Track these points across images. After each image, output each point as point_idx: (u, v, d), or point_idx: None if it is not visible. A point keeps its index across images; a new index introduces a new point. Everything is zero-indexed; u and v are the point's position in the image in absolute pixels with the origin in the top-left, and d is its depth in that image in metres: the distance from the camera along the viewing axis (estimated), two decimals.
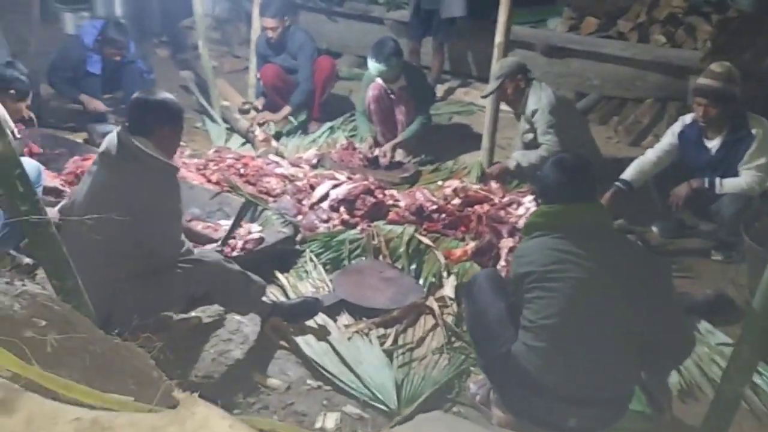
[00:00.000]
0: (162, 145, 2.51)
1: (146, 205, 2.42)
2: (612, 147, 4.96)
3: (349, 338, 2.77)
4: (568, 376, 2.11)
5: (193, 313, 2.85)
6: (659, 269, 2.33)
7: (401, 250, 3.42)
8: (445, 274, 3.24)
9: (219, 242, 3.00)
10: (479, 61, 5.97)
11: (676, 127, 3.61)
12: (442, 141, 4.92)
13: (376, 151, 4.57)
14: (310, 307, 2.87)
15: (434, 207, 3.76)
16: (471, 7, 5.55)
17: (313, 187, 4.00)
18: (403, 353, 2.73)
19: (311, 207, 3.81)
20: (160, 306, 2.62)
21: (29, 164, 3.12)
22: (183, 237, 2.59)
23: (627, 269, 2.18)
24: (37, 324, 1.42)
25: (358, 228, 3.62)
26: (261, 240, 3.26)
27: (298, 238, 3.52)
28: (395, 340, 2.80)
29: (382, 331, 2.87)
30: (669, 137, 3.61)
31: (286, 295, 3.09)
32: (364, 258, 3.41)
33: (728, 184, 3.38)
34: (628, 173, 3.60)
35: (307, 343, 2.72)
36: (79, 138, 4.63)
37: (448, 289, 3.09)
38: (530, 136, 4.07)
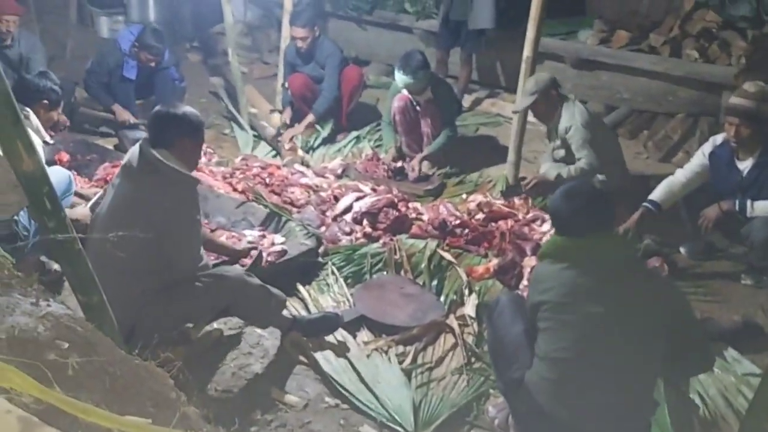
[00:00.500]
0: (183, 158, 2.54)
1: (166, 217, 2.45)
2: (641, 163, 4.88)
3: (368, 356, 2.77)
4: (579, 411, 2.08)
5: (215, 325, 2.89)
6: (678, 300, 2.28)
7: (423, 265, 3.41)
8: (466, 291, 3.22)
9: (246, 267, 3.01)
10: (507, 72, 5.93)
11: (707, 148, 3.53)
12: (468, 152, 4.90)
13: (400, 163, 4.57)
14: (330, 322, 2.88)
15: (457, 222, 3.74)
16: (500, 18, 5.53)
17: (337, 199, 4.01)
18: (422, 373, 2.72)
19: (334, 219, 3.82)
20: (182, 319, 2.65)
21: (60, 173, 3.20)
22: (201, 251, 2.61)
23: (644, 301, 2.13)
24: (60, 346, 1.44)
25: (381, 241, 3.63)
26: (284, 252, 3.28)
27: (321, 250, 3.53)
28: (414, 359, 2.79)
29: (401, 348, 2.86)
30: (699, 158, 3.54)
31: (307, 309, 3.10)
32: (385, 273, 3.41)
33: (760, 207, 3.29)
34: (656, 194, 3.54)
35: (326, 359, 2.73)
36: (110, 144, 4.73)
37: (469, 308, 3.07)
38: (562, 152, 4.02)
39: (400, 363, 2.75)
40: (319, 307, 3.11)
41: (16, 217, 3.00)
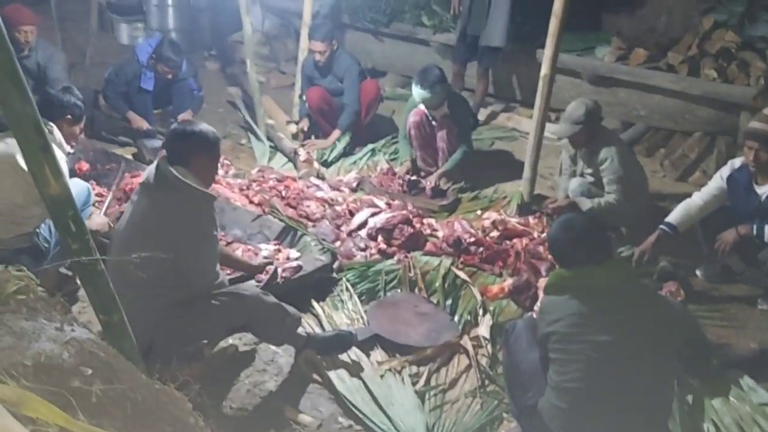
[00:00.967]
0: (200, 174, 2.57)
1: (183, 234, 2.47)
2: (657, 181, 4.86)
3: (381, 376, 2.77)
4: None
5: (230, 341, 2.91)
6: (686, 323, 2.32)
7: (437, 284, 3.41)
8: (480, 311, 3.22)
9: (262, 285, 3.04)
10: (523, 86, 5.94)
11: (725, 171, 3.52)
12: (483, 167, 4.90)
13: (414, 177, 4.59)
14: (344, 340, 2.89)
15: (472, 239, 3.74)
16: (517, 32, 5.54)
17: (352, 213, 4.03)
18: (435, 395, 2.72)
19: (349, 234, 3.83)
20: (198, 336, 2.68)
21: (79, 185, 3.24)
22: (218, 268, 2.63)
23: (650, 327, 2.17)
24: (84, 373, 1.47)
25: (395, 258, 3.64)
26: (299, 268, 3.30)
27: (335, 265, 3.55)
28: (428, 381, 2.79)
29: (414, 369, 2.87)
30: (717, 181, 3.53)
31: (321, 326, 3.12)
32: (399, 290, 3.41)
33: None
34: (673, 216, 3.52)
35: (339, 378, 2.74)
36: (129, 153, 4.77)
37: (483, 329, 3.07)
38: (591, 179, 3.98)
39: (414, 384, 2.76)
40: (333, 323, 3.12)
41: (37, 230, 3.05)
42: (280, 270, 3.25)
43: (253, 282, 3.05)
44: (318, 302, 3.27)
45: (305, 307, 3.22)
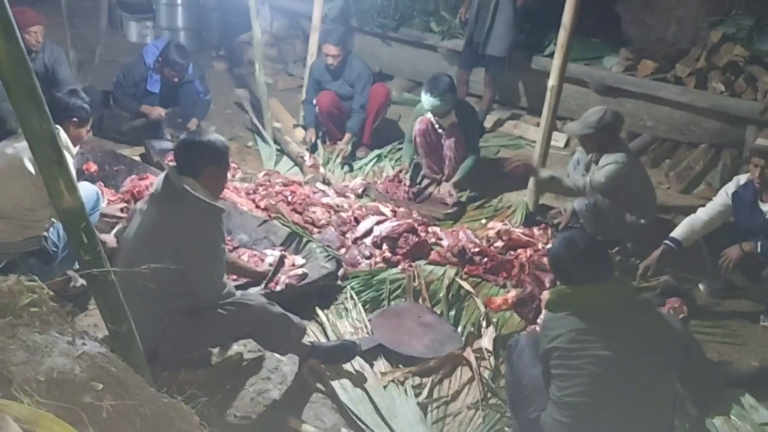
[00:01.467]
0: (209, 185, 2.59)
1: (191, 246, 2.48)
2: (662, 193, 4.86)
3: (384, 387, 2.79)
4: None
5: (235, 348, 2.93)
6: (686, 342, 2.35)
7: (441, 294, 3.43)
8: (484, 323, 3.24)
9: (261, 286, 3.05)
10: (530, 94, 5.95)
11: (730, 187, 3.53)
12: (488, 175, 4.89)
13: (419, 185, 4.62)
14: (348, 350, 2.91)
15: (477, 249, 3.76)
16: (525, 41, 5.55)
17: (357, 220, 4.05)
18: (438, 407, 2.74)
19: (354, 241, 3.86)
20: (204, 344, 2.70)
21: (88, 189, 3.26)
22: (225, 279, 2.65)
23: (650, 344, 2.19)
24: (95, 388, 1.49)
25: (400, 267, 3.66)
26: (304, 276, 3.32)
27: (340, 273, 3.56)
28: (430, 393, 2.81)
29: (417, 380, 2.89)
30: (722, 197, 3.54)
31: (325, 334, 3.14)
32: (403, 299, 3.43)
33: None
34: (678, 232, 3.53)
35: (343, 388, 2.76)
36: (136, 153, 4.80)
37: (486, 341, 3.09)
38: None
39: (417, 396, 2.78)
40: (337, 332, 3.15)
41: (45, 234, 3.07)
42: (284, 277, 3.27)
43: (258, 289, 3.07)
44: (322, 310, 3.29)
45: (309, 314, 3.24)
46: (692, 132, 5.28)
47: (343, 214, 4.10)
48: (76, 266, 3.04)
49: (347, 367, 2.87)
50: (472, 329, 3.21)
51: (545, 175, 3.89)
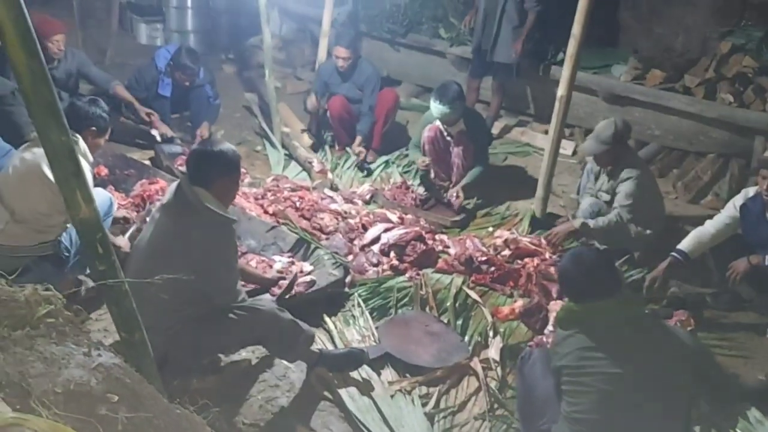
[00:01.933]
0: (221, 195, 2.60)
1: (203, 256, 2.50)
2: (669, 203, 4.85)
3: (392, 396, 2.81)
4: None
5: (243, 354, 2.95)
6: (697, 355, 2.36)
7: (448, 303, 3.45)
8: (491, 333, 3.25)
9: (276, 298, 3.07)
10: (538, 101, 5.96)
11: (738, 200, 3.54)
12: (496, 183, 4.92)
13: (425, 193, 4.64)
14: (355, 358, 2.92)
15: (484, 258, 3.77)
16: (535, 48, 5.56)
17: (365, 227, 4.07)
18: (445, 417, 2.76)
19: (362, 248, 3.87)
20: (214, 349, 2.72)
21: (101, 195, 3.29)
22: (239, 286, 2.67)
23: (659, 360, 2.21)
24: (111, 400, 1.51)
25: (407, 275, 3.67)
26: (312, 283, 3.34)
27: (348, 280, 3.58)
28: (437, 403, 2.82)
29: (424, 389, 2.90)
30: (730, 209, 3.54)
31: (333, 341, 3.16)
32: (411, 308, 3.45)
33: None
34: (685, 244, 3.54)
35: (350, 396, 2.78)
36: (146, 157, 4.83)
37: (493, 351, 3.10)
38: (607, 197, 3.98)
39: (424, 405, 2.79)
40: (345, 340, 3.16)
41: (59, 239, 3.11)
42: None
43: (268, 296, 3.09)
44: (330, 317, 3.31)
45: (317, 321, 3.26)
46: (700, 142, 5.29)
47: (351, 221, 4.12)
48: (88, 270, 3.08)
49: (354, 375, 2.89)
50: (479, 339, 3.22)
51: (577, 224, 3.92)
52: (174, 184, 2.62)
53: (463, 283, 3.64)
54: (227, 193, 2.64)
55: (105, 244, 1.89)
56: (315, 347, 2.92)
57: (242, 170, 4.69)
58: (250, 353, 2.98)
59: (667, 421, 2.20)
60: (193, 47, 5.71)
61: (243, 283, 3.19)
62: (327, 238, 3.95)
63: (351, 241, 3.96)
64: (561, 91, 4.10)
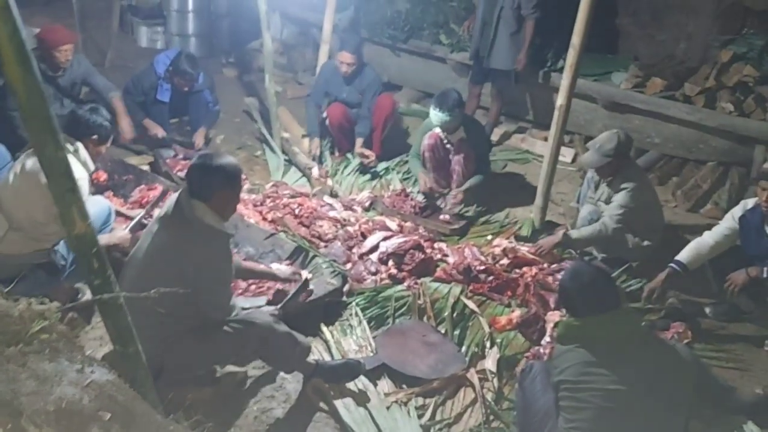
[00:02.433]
0: (220, 208, 2.59)
1: (198, 270, 2.49)
2: (669, 212, 4.85)
3: (388, 407, 2.80)
4: None
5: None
6: (695, 370, 2.38)
7: (446, 313, 3.44)
8: (488, 344, 3.25)
9: (278, 307, 3.07)
10: (537, 107, 5.96)
11: (737, 211, 3.53)
12: (495, 190, 4.91)
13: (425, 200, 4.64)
14: (352, 369, 2.92)
15: (482, 267, 3.77)
16: (535, 55, 5.55)
17: (364, 235, 4.06)
18: (441, 429, 2.75)
19: (361, 257, 3.87)
20: (209, 361, 2.72)
21: (101, 205, 3.29)
22: (232, 301, 2.66)
23: (657, 375, 2.21)
24: (103, 418, 1.51)
25: (405, 284, 3.67)
26: (311, 292, 3.33)
27: (346, 289, 3.57)
28: (433, 414, 2.82)
29: (420, 400, 2.89)
30: (729, 221, 3.54)
31: (330, 351, 3.15)
32: (408, 317, 3.44)
33: None
34: (684, 255, 3.53)
35: (346, 407, 2.77)
36: (144, 162, 4.83)
37: (490, 363, 3.09)
38: (605, 206, 3.96)
39: (420, 417, 2.78)
40: (342, 350, 3.16)
41: (55, 247, 3.10)
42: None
43: (265, 308, 3.08)
44: (327, 326, 3.31)
45: (314, 330, 3.26)
46: (700, 150, 5.28)
47: (350, 229, 4.11)
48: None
49: (351, 386, 2.88)
50: (476, 350, 3.21)
51: (559, 236, 3.90)
52: (173, 197, 2.61)
53: (461, 292, 3.63)
54: (227, 206, 2.63)
55: (100, 259, 1.88)
56: (311, 358, 2.92)
57: (242, 175, 4.72)
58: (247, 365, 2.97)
59: None
60: (194, 51, 5.72)
61: (253, 288, 3.20)
62: (326, 246, 3.95)
63: (350, 249, 3.95)
64: (560, 100, 4.10)
